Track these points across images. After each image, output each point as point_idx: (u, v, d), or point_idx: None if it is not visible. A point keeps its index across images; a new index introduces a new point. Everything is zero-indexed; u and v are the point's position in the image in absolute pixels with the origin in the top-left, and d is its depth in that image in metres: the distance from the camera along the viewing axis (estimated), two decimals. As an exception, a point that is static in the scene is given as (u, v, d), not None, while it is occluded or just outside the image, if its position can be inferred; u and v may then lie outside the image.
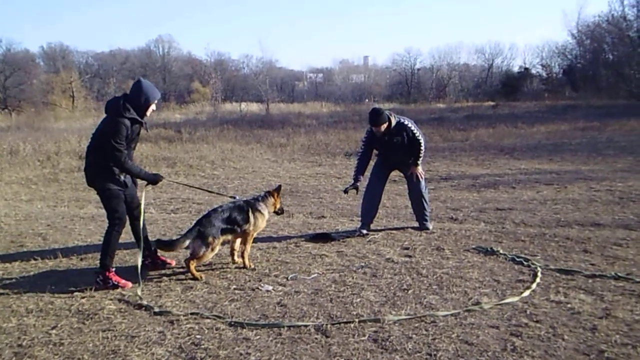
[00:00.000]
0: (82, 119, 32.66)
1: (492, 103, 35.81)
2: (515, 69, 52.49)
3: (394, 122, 6.80)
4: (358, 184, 7.04)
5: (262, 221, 5.75)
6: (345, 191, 7.15)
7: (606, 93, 34.66)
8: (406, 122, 6.87)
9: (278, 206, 5.98)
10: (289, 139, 19.09)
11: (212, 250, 5.33)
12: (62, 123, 30.36)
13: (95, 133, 5.29)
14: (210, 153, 15.91)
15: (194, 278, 5.29)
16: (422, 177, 7.12)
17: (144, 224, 5.65)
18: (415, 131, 6.84)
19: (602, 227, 6.97)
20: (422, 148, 6.93)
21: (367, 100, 43.70)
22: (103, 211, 5.41)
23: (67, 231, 7.55)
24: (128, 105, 5.10)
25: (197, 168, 13.81)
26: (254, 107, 39.33)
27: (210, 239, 5.26)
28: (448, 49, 65.53)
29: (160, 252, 5.85)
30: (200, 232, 5.26)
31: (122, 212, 5.27)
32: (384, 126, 6.75)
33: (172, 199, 9.85)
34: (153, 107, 5.33)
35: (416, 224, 7.27)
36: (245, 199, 5.85)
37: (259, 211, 5.69)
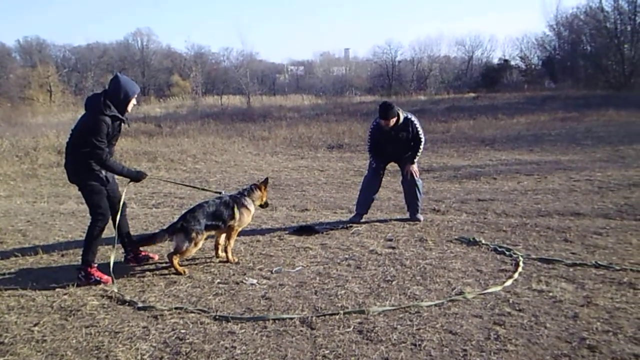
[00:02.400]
0: (60, 114, 32.27)
1: (472, 95, 35.94)
2: (495, 61, 52.77)
3: (402, 117, 6.85)
4: (376, 167, 7.18)
5: (247, 217, 5.73)
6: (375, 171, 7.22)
7: (584, 84, 35.03)
8: (412, 119, 6.95)
9: (265, 199, 5.95)
10: (270, 132, 19.04)
11: (196, 245, 5.30)
12: (40, 118, 29.91)
13: (74, 129, 5.22)
14: (192, 147, 15.81)
15: (177, 273, 5.26)
16: (417, 176, 7.15)
17: (125, 220, 5.63)
18: (419, 129, 6.95)
19: (582, 216, 7.07)
20: (422, 147, 7.05)
21: (348, 92, 43.51)
22: (83, 207, 5.36)
23: (47, 227, 7.45)
24: (109, 102, 5.03)
25: (179, 162, 13.72)
26: (235, 100, 39.10)
27: (194, 234, 5.23)
28: (428, 41, 65.65)
29: (142, 247, 5.81)
30: (183, 227, 5.23)
31: (104, 208, 5.21)
32: (393, 120, 6.77)
33: (153, 194, 9.77)
34: (133, 101, 5.27)
35: (399, 216, 7.32)
36: (231, 194, 5.83)
37: (245, 207, 5.66)
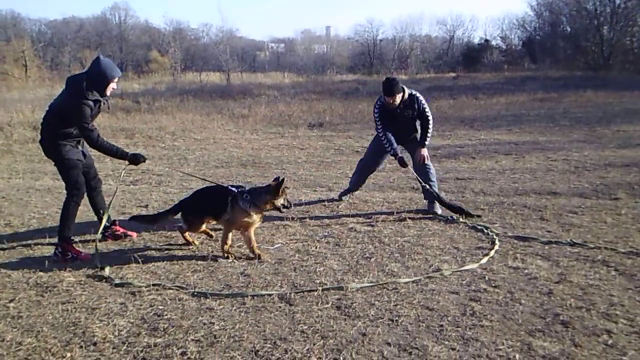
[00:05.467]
0: (35, 89, 31.54)
1: (453, 74, 36.00)
2: (476, 41, 52.86)
3: (407, 93, 6.36)
4: (401, 154, 6.49)
5: (240, 218, 5.00)
6: (403, 164, 6.57)
7: (564, 65, 35.26)
8: (417, 95, 6.43)
9: (281, 202, 5.07)
10: (250, 109, 18.88)
11: (192, 229, 5.41)
12: (15, 93, 29.21)
13: (52, 106, 5.16)
14: (170, 124, 15.62)
15: (187, 243, 5.45)
16: (427, 159, 6.58)
17: (101, 196, 5.62)
18: (425, 106, 6.43)
19: (559, 195, 7.16)
20: (430, 126, 6.47)
21: (329, 71, 43.27)
22: (59, 183, 5.30)
23: (22, 203, 7.35)
24: (91, 86, 4.99)
25: (157, 139, 13.55)
26: (215, 77, 38.60)
27: (191, 217, 5.30)
28: (410, 20, 65.71)
29: (119, 224, 5.78)
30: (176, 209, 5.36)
31: (81, 183, 5.17)
32: (399, 96, 6.26)
33: (131, 170, 9.63)
34: (113, 85, 5.23)
35: (378, 194, 7.34)
36: (239, 185, 5.25)
37: (239, 206, 4.96)
